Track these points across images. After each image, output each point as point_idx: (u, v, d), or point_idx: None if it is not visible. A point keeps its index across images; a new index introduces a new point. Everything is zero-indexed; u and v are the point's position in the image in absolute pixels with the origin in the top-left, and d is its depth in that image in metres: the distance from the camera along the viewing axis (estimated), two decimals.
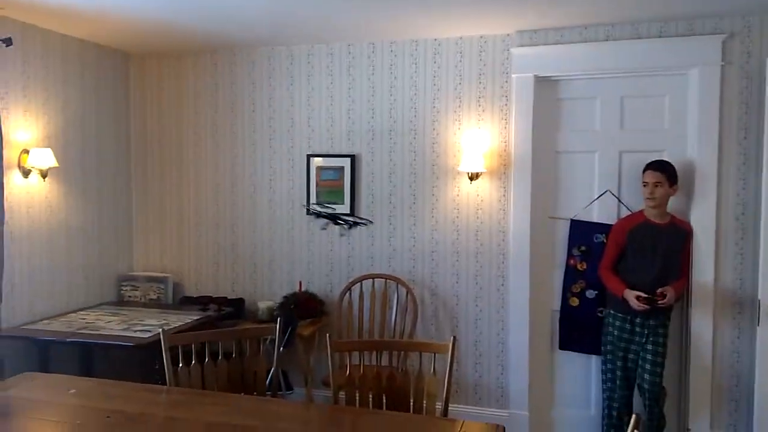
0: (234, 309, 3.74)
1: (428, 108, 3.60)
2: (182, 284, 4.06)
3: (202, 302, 3.75)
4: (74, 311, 3.59)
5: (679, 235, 3.11)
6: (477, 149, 3.43)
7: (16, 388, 2.21)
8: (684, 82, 3.25)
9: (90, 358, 3.33)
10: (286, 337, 3.21)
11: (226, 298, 3.82)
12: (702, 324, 3.18)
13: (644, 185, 3.07)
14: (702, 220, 3.17)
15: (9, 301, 3.16)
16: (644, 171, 3.08)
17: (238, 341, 2.71)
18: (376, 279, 3.63)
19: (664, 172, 3.03)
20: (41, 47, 3.44)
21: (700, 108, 3.15)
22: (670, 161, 3.08)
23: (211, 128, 4.01)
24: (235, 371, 2.59)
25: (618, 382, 3.14)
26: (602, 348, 3.23)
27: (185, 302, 3.89)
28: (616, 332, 3.14)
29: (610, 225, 3.28)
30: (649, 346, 3.06)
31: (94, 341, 3.08)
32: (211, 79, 3.99)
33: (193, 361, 2.51)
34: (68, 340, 3.08)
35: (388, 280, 3.61)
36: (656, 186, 3.02)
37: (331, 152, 3.79)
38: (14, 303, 3.24)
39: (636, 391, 3.15)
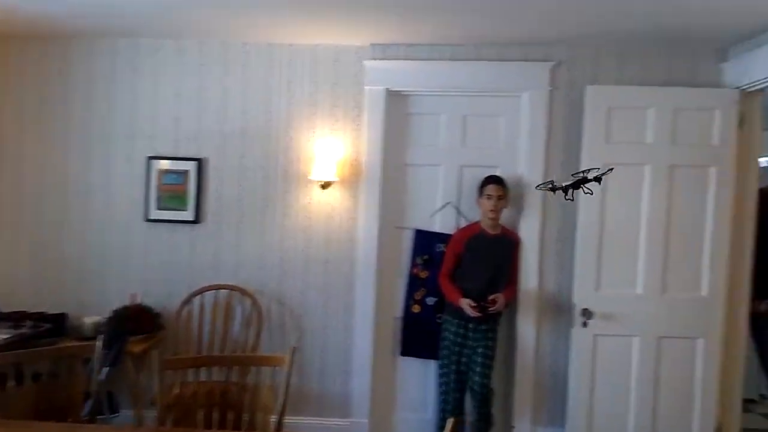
0: (54, 325, 3.34)
1: (282, 113, 3.53)
2: None
3: (13, 318, 3.30)
4: None
5: (510, 245, 3.36)
6: (330, 158, 3.43)
7: None
8: (517, 105, 3.51)
9: None
10: (114, 354, 2.93)
11: (44, 313, 3.40)
12: (527, 328, 3.45)
13: (488, 198, 3.25)
14: (529, 231, 3.45)
15: None
16: (486, 185, 3.27)
17: (54, 361, 2.42)
18: (219, 290, 3.46)
19: (505, 186, 3.26)
20: None
21: (530, 130, 3.44)
22: (502, 176, 3.32)
23: (37, 122, 3.58)
24: (43, 395, 2.31)
25: (451, 384, 3.30)
26: (439, 353, 3.38)
27: None
28: (451, 337, 3.31)
29: (450, 235, 3.45)
30: (480, 350, 3.25)
31: None
32: (39, 68, 3.57)
33: None
34: None
35: (232, 291, 3.47)
36: (500, 200, 3.23)
37: (175, 155, 3.56)
38: None
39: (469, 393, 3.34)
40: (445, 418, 3.28)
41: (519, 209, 3.48)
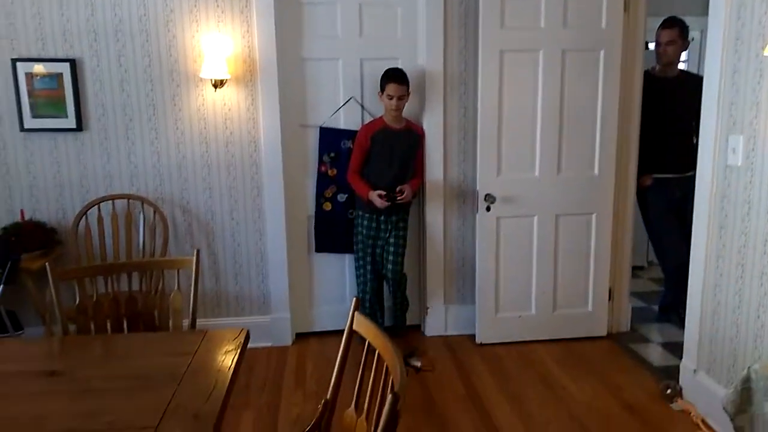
0: None
1: (160, 6, 3.23)
2: None
3: None
4: None
5: (414, 138, 3.39)
6: (219, 54, 3.21)
7: None
8: None
9: None
10: (6, 272, 2.77)
11: None
12: (435, 216, 3.58)
13: (389, 98, 3.20)
14: (432, 123, 3.48)
15: None
16: (387, 83, 3.20)
17: None
18: (116, 200, 3.29)
19: (405, 83, 3.20)
20: None
21: (427, 19, 3.37)
22: (403, 69, 3.27)
23: None
24: None
25: (368, 275, 3.43)
26: (354, 246, 3.46)
27: None
28: (364, 231, 3.39)
29: (356, 131, 3.42)
30: (392, 239, 3.37)
31: None
32: None
33: None
34: None
35: (131, 200, 3.31)
36: (400, 99, 3.20)
37: (43, 56, 3.20)
38: None
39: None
40: (365, 306, 3.42)
41: (421, 102, 3.48)
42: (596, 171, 3.45)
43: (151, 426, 1.35)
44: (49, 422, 1.39)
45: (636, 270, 4.59)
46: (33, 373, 1.68)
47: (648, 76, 3.56)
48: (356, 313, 1.65)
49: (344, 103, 3.48)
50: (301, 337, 3.67)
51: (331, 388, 1.61)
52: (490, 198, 3.37)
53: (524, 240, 3.47)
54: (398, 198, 3.25)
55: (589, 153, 3.43)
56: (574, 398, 2.94)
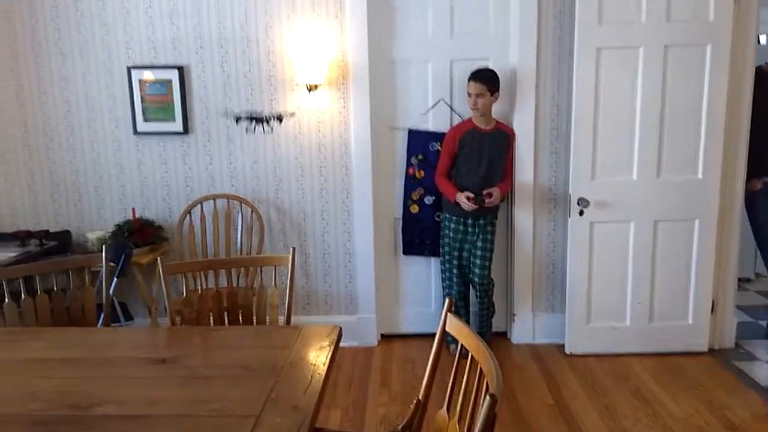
0: (59, 242, 3.39)
1: (260, 15, 3.38)
2: None
3: (19, 237, 3.36)
4: None
5: (503, 139, 3.33)
6: (313, 59, 3.33)
7: None
8: None
9: None
10: (120, 266, 3.00)
11: (47, 231, 3.45)
12: (523, 220, 3.50)
13: (468, 95, 3.20)
14: (523, 123, 3.41)
15: None
16: (469, 81, 3.20)
17: (63, 275, 2.48)
18: (217, 199, 3.49)
19: (485, 82, 3.17)
20: None
21: (520, 15, 3.31)
22: (492, 69, 3.24)
23: (8, 39, 3.44)
24: (59, 307, 2.39)
25: (454, 279, 3.41)
26: (440, 249, 3.46)
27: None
28: (451, 234, 3.37)
29: (444, 133, 3.42)
30: (479, 243, 3.33)
31: None
32: None
33: (6, 300, 2.27)
34: None
35: (231, 200, 3.49)
36: (478, 97, 3.17)
37: (155, 63, 3.45)
38: None
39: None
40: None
41: (512, 101, 3.42)
42: (700, 174, 3.24)
43: (254, 414, 1.42)
44: (160, 406, 1.50)
45: (742, 282, 4.28)
46: (145, 360, 1.81)
47: (760, 72, 3.30)
48: (449, 314, 1.64)
49: (433, 105, 3.49)
50: (386, 338, 3.71)
51: (423, 388, 1.63)
52: (583, 202, 3.25)
53: (619, 247, 3.32)
54: (486, 201, 3.21)
55: (692, 155, 3.23)
56: (672, 415, 2.78)
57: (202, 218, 3.46)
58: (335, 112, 3.47)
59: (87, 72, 3.47)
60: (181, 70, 3.44)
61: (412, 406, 1.60)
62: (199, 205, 3.46)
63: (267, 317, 2.35)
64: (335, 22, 3.37)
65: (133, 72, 3.45)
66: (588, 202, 3.25)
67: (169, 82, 3.46)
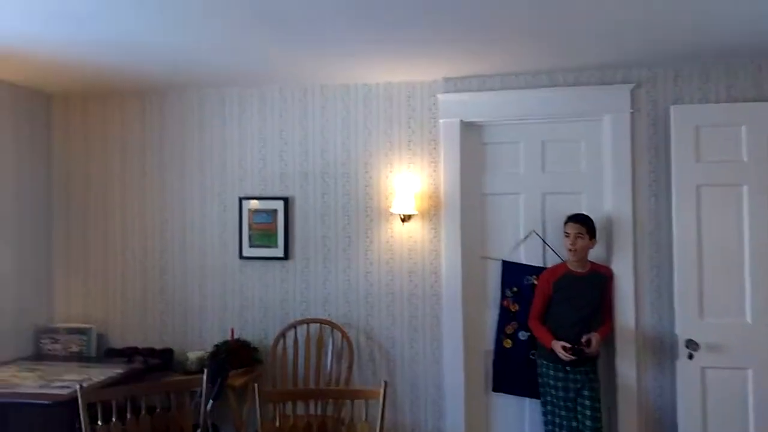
0: (162, 360, 3.58)
1: (360, 151, 3.66)
2: (107, 335, 3.87)
3: (127, 354, 3.58)
4: None
5: (600, 281, 3.23)
6: (408, 191, 3.50)
7: None
8: (598, 128, 3.44)
9: (4, 418, 3.09)
10: (217, 388, 3.10)
11: (153, 348, 3.66)
12: (627, 365, 3.27)
13: (566, 236, 3.17)
14: (621, 263, 3.31)
15: None
16: (566, 222, 3.20)
17: (164, 395, 2.60)
18: (310, 324, 3.59)
19: (584, 224, 3.15)
20: None
21: (614, 152, 3.35)
22: (589, 215, 3.21)
23: (139, 171, 3.91)
24: (159, 427, 2.48)
25: (558, 427, 3.15)
26: (541, 396, 3.26)
27: (109, 354, 3.69)
28: (551, 381, 3.18)
29: (539, 266, 3.40)
30: (586, 393, 3.11)
31: (7, 400, 2.88)
32: (138, 121, 3.92)
33: (114, 419, 2.39)
34: None
35: (323, 325, 3.58)
36: (577, 237, 3.14)
37: (263, 194, 3.77)
38: None
39: None
40: None
41: (608, 240, 3.36)
42: None
43: None
44: None
45: None
46: None
47: None
48: None
49: (525, 237, 3.51)
50: None
51: None
52: (692, 345, 3.03)
53: (737, 396, 3.02)
54: (585, 350, 3.05)
55: None
56: None
57: (295, 342, 3.54)
58: (426, 240, 3.56)
59: (204, 201, 3.83)
60: (286, 200, 3.72)
61: None
62: (294, 329, 3.57)
63: None
64: (429, 159, 3.57)
65: (244, 202, 3.77)
66: (698, 345, 3.03)
67: (275, 211, 3.74)
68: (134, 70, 3.41)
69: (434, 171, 3.57)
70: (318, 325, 3.58)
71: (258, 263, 3.76)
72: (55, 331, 3.77)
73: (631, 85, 3.33)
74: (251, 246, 3.77)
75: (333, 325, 3.56)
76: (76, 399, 2.45)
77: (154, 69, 3.38)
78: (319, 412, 3.22)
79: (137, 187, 3.92)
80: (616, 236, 3.33)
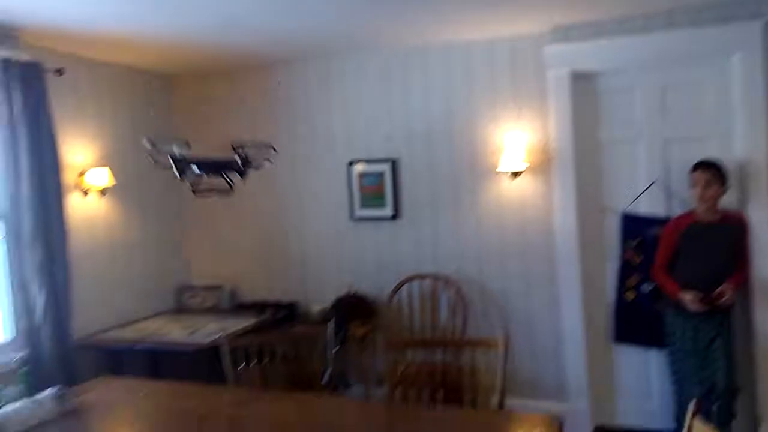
0: (287, 313, 3.86)
1: (465, 109, 3.65)
2: (237, 291, 4.21)
3: (257, 307, 3.89)
4: (139, 320, 3.78)
5: (732, 230, 3.03)
6: (517, 147, 3.46)
7: (92, 392, 2.36)
8: (725, 70, 3.18)
9: (157, 363, 3.49)
10: (340, 337, 3.30)
11: (279, 302, 3.95)
12: (765, 313, 3.08)
13: (694, 184, 2.98)
14: (757, 209, 3.08)
15: (79, 314, 3.34)
16: (693, 171, 3.00)
17: (294, 343, 2.81)
18: (424, 279, 3.69)
19: (715, 171, 2.95)
20: (90, 75, 3.64)
21: (744, 95, 3.10)
22: (717, 159, 2.99)
23: (255, 140, 4.15)
24: (292, 371, 2.70)
25: (688, 379, 3.03)
26: (668, 347, 3.15)
27: (241, 308, 4.04)
28: (678, 332, 3.06)
29: (661, 217, 3.25)
30: (718, 343, 2.96)
31: (160, 347, 3.25)
32: (251, 93, 4.14)
33: (253, 362, 2.63)
34: (136, 347, 3.26)
35: (436, 280, 3.67)
36: (708, 185, 2.94)
37: (371, 158, 3.88)
38: (84, 315, 3.40)
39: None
40: (683, 410, 3.04)
41: (742, 189, 3.12)
42: None
43: None
44: None
45: None
46: None
47: None
48: (695, 419, 1.51)
49: (647, 187, 3.35)
50: (599, 431, 3.46)
51: None
52: None
53: None
54: (718, 301, 2.89)
55: None
56: None
57: (410, 296, 3.67)
58: (538, 196, 3.52)
59: (317, 167, 4.01)
60: (393, 162, 3.81)
61: None
62: (408, 284, 3.69)
63: (479, 397, 2.38)
64: (538, 111, 3.49)
65: (352, 167, 3.90)
66: None
67: (382, 173, 3.84)
68: (247, 48, 3.59)
69: (544, 124, 3.49)
70: (431, 280, 3.68)
71: (369, 223, 3.90)
72: (193, 288, 4.17)
73: (763, 20, 3.03)
74: (361, 207, 3.91)
75: (446, 280, 3.64)
76: (217, 346, 2.73)
77: (265, 45, 3.55)
78: (436, 361, 3.34)
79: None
80: (749, 182, 3.10)
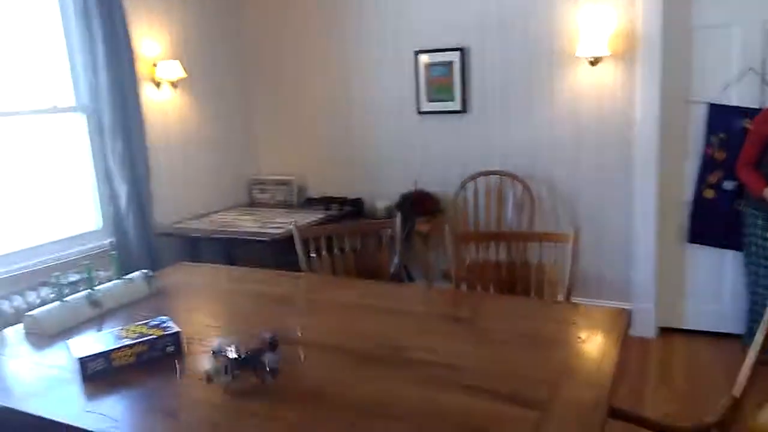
0: (354, 208, 3.92)
1: None
2: (305, 186, 4.29)
3: (324, 202, 3.97)
4: (213, 212, 3.95)
5: None
6: (598, 31, 3.18)
7: (175, 275, 2.53)
8: None
9: (232, 251, 3.69)
10: (405, 232, 3.33)
11: (346, 198, 4.01)
12: None
13: None
14: None
15: (157, 205, 3.53)
16: None
17: (361, 235, 2.86)
18: (490, 175, 3.61)
19: None
20: None
21: None
22: None
23: (321, 32, 4.03)
24: (360, 262, 2.77)
25: (764, 282, 2.91)
26: (746, 247, 3.00)
27: (309, 203, 4.13)
28: (759, 231, 2.89)
29: (754, 108, 2.96)
30: None
31: (235, 237, 3.41)
32: None
33: (323, 252, 2.71)
34: (213, 236, 3.43)
35: (503, 177, 3.58)
36: None
37: (438, 47, 3.68)
38: (162, 206, 3.58)
39: None
40: (757, 316, 2.96)
41: None
42: None
43: (549, 380, 1.45)
44: (465, 359, 1.62)
45: None
46: (441, 317, 2.00)
47: None
48: None
49: (741, 75, 3.04)
50: (665, 332, 3.43)
51: (743, 387, 1.47)
52: None
53: None
54: None
55: None
56: None
57: (476, 193, 3.62)
58: (618, 85, 3.27)
59: (382, 58, 3.87)
60: (462, 51, 3.61)
61: (725, 402, 1.47)
62: (474, 181, 3.63)
63: (545, 292, 2.37)
64: None
65: (419, 56, 3.73)
66: None
67: (451, 63, 3.66)
68: None
69: (629, 6, 3.17)
70: (498, 176, 3.59)
71: (436, 117, 3.79)
72: (264, 182, 4.29)
73: None
74: (429, 101, 3.78)
75: (513, 177, 3.54)
76: (289, 237, 2.82)
77: None
78: (504, 256, 3.34)
79: (320, 49, 4.06)
80: None
